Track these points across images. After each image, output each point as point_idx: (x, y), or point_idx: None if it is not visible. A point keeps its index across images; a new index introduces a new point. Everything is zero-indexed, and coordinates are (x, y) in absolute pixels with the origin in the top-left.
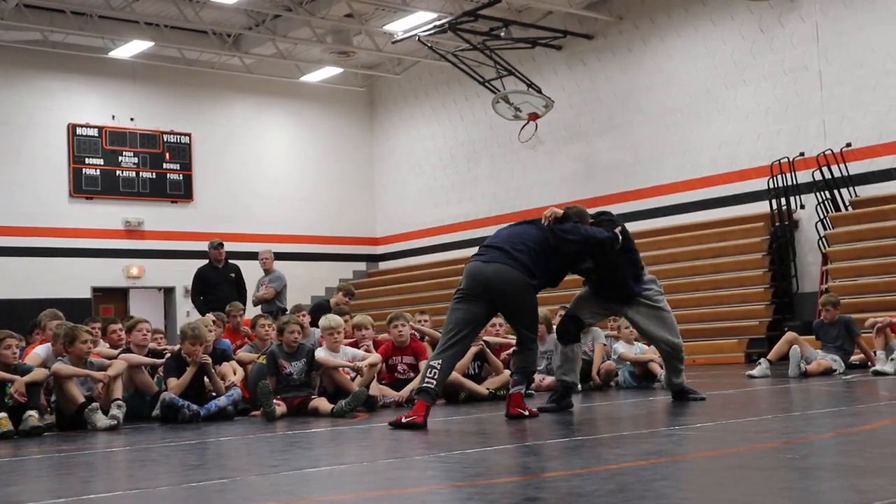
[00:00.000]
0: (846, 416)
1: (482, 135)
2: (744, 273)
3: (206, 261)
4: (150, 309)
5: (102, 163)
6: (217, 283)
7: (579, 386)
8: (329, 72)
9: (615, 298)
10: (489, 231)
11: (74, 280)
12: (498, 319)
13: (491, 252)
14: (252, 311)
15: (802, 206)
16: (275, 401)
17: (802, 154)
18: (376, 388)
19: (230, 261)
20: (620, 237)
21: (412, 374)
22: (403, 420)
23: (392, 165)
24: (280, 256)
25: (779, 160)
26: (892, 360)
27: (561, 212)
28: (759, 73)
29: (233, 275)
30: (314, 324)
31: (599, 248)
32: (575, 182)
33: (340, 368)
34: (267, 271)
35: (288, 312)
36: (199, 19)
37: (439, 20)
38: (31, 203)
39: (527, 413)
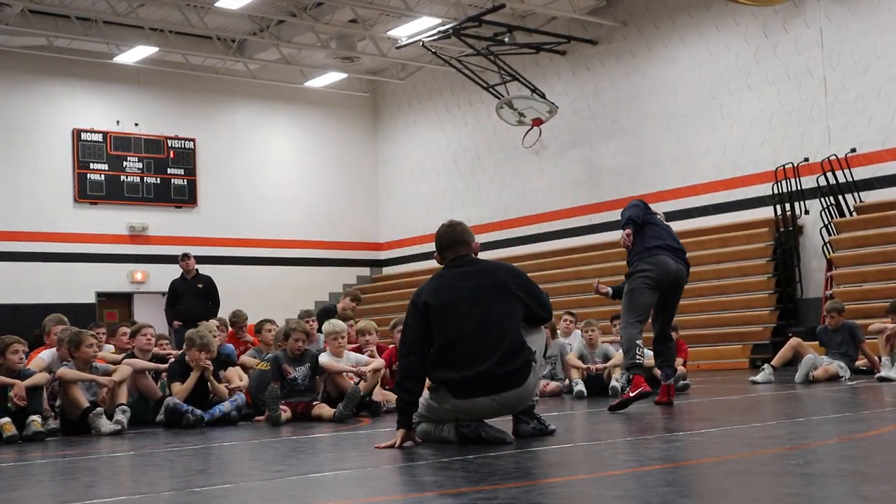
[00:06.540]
0: (851, 422)
1: (486, 140)
2: (748, 278)
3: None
4: (154, 314)
5: (107, 168)
6: (183, 294)
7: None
8: (333, 77)
9: None
10: (493, 236)
11: (79, 285)
12: None
13: (677, 252)
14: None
15: (807, 212)
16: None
17: (807, 159)
18: (380, 394)
19: (202, 273)
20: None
21: None
22: (631, 395)
23: (396, 170)
24: (284, 262)
25: (783, 165)
26: None
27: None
28: (764, 78)
29: (200, 286)
30: (321, 329)
31: None
32: (579, 187)
33: (344, 373)
34: None
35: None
36: (203, 25)
37: (443, 25)
38: (35, 208)
39: (670, 401)
